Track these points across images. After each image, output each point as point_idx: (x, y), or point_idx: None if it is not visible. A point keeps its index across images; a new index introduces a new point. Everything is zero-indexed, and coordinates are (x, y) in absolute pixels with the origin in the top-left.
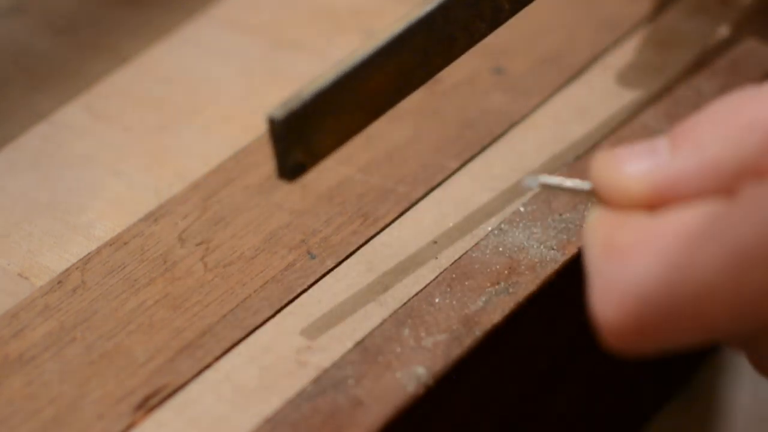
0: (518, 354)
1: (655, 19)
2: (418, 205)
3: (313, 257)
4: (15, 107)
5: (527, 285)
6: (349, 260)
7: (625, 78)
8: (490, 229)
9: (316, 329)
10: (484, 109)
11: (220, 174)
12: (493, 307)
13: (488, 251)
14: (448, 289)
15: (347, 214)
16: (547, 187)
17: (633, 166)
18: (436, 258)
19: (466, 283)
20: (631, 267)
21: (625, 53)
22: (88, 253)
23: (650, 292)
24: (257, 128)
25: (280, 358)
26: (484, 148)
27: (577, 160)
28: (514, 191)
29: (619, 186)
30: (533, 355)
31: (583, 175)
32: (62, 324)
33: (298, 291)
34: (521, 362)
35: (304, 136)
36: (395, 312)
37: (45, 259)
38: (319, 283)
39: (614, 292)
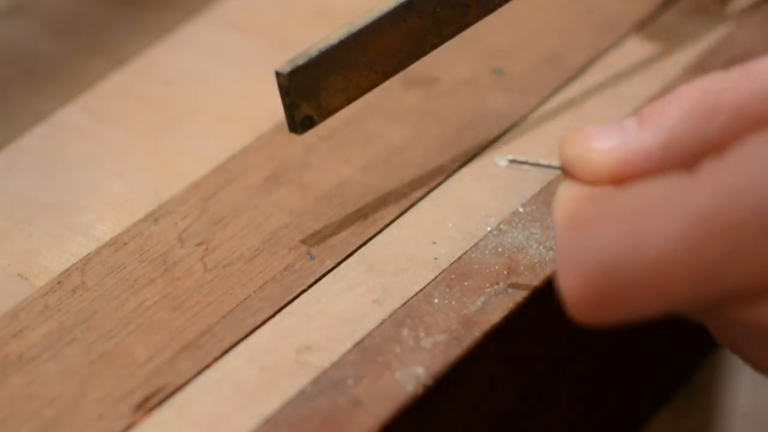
0: (517, 354)
1: (655, 19)
2: (417, 206)
3: (312, 257)
4: (14, 108)
5: (526, 285)
6: (348, 260)
7: (625, 78)
8: (489, 229)
9: (315, 329)
10: (484, 109)
11: (219, 174)
12: (492, 307)
13: (487, 252)
14: (448, 290)
15: (346, 215)
16: (517, 165)
17: (600, 142)
18: (436, 258)
19: (466, 283)
20: (593, 239)
21: (624, 54)
22: (88, 254)
23: (610, 263)
24: (257, 129)
25: (280, 359)
26: (483, 149)
27: None
28: (514, 191)
29: (586, 160)
30: (532, 356)
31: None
32: (62, 324)
33: (298, 291)
34: (520, 362)
35: (311, 91)
36: (394, 312)
37: (45, 260)
38: (319, 283)
39: (576, 264)
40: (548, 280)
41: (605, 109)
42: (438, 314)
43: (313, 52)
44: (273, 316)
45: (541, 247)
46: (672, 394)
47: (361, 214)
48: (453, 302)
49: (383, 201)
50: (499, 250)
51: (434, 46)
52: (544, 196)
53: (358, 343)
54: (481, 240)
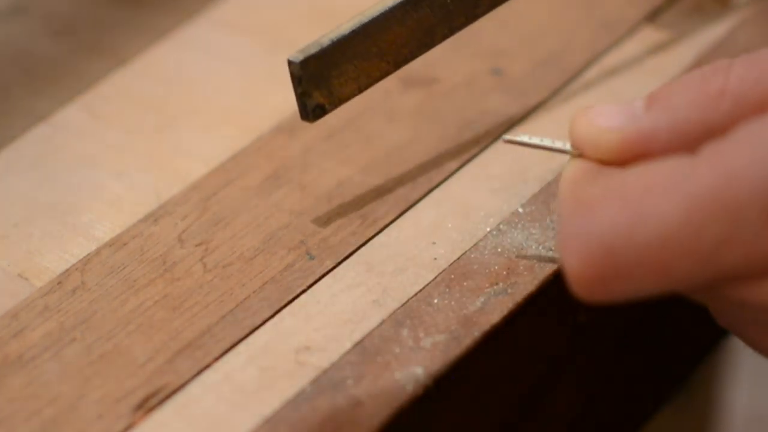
0: (517, 354)
1: (654, 20)
2: (416, 206)
3: (312, 258)
4: (15, 108)
5: (526, 286)
6: (348, 261)
7: (624, 79)
8: (488, 229)
9: (315, 330)
10: (483, 110)
11: (219, 175)
12: (491, 307)
13: (487, 252)
14: (447, 290)
15: (346, 215)
16: (524, 145)
17: (608, 121)
18: (435, 259)
19: (465, 283)
20: (597, 216)
21: (623, 54)
22: (88, 254)
23: (613, 241)
24: (257, 129)
25: (280, 359)
26: (482, 149)
27: None
28: (513, 192)
29: (593, 138)
30: (532, 356)
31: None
32: (62, 324)
33: (298, 291)
34: (520, 363)
35: (323, 79)
36: (394, 312)
37: (45, 260)
38: (318, 283)
39: (579, 242)
40: (547, 280)
41: None
42: (437, 314)
43: (325, 41)
44: (273, 316)
45: (540, 248)
46: (672, 393)
47: (361, 214)
48: (452, 302)
49: (383, 201)
50: (499, 250)
51: (444, 37)
52: (544, 197)
53: (357, 344)
54: (481, 240)
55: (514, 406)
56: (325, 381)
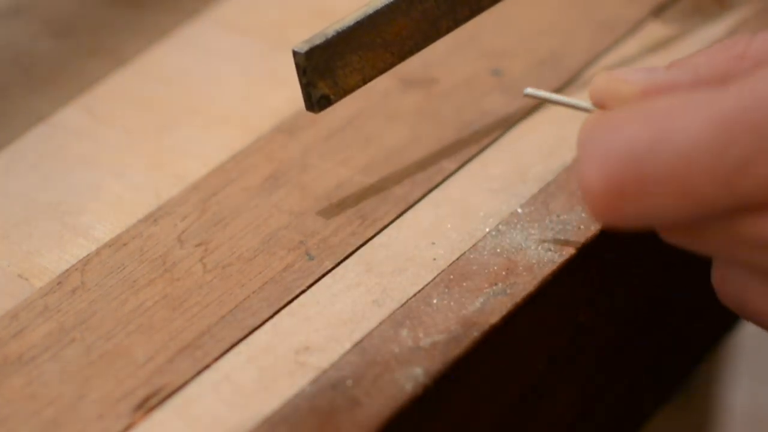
0: (516, 355)
1: (653, 20)
2: (416, 207)
3: (311, 258)
4: (15, 109)
5: (525, 286)
6: (347, 261)
7: None
8: (488, 230)
9: (314, 330)
10: (483, 110)
11: (219, 175)
12: (491, 308)
13: (486, 252)
14: (446, 290)
15: (346, 215)
16: (545, 101)
17: (629, 76)
18: (434, 259)
19: (464, 284)
20: (620, 132)
21: (623, 55)
22: (88, 254)
23: (636, 154)
24: (257, 129)
25: (279, 359)
26: (482, 150)
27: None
28: (513, 193)
29: (614, 89)
30: (531, 356)
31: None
32: (62, 325)
33: (297, 292)
34: (519, 363)
35: (328, 70)
36: (393, 313)
37: (45, 260)
38: (318, 284)
39: (601, 154)
40: (547, 281)
41: None
42: (437, 315)
43: (330, 32)
44: (272, 316)
45: (539, 248)
46: (672, 393)
47: (361, 214)
48: (452, 303)
49: (382, 201)
50: (498, 250)
51: (449, 29)
52: (543, 198)
53: (357, 344)
54: (480, 241)
55: (514, 406)
56: (324, 381)
